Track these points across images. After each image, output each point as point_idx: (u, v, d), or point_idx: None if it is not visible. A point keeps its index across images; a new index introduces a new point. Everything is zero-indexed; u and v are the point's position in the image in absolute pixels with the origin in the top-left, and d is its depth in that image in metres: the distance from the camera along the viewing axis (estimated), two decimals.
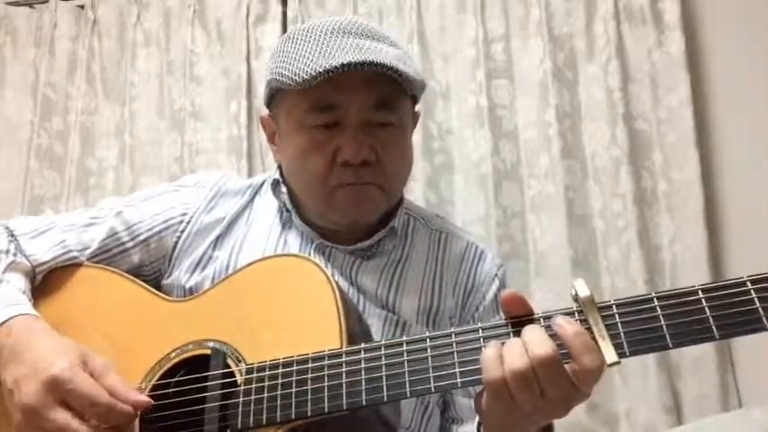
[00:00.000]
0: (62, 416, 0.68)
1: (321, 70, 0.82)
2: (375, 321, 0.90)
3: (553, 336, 0.62)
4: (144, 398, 0.72)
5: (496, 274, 0.99)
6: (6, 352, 0.75)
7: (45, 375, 0.69)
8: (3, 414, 0.74)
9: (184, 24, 2.00)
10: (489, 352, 0.63)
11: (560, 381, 0.61)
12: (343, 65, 0.82)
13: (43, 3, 2.09)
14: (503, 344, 0.64)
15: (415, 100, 0.98)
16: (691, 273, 1.59)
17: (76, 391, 0.69)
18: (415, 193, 1.75)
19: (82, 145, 1.96)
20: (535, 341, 0.62)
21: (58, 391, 0.69)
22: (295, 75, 0.84)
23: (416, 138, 1.73)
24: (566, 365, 0.62)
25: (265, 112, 1.00)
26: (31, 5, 2.10)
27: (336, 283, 0.78)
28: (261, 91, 1.87)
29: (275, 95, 0.94)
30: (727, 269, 1.64)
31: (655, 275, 1.64)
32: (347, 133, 0.87)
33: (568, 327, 0.62)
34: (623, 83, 1.72)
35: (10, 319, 0.77)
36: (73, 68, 2.04)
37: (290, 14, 1.95)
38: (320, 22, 0.90)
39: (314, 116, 0.88)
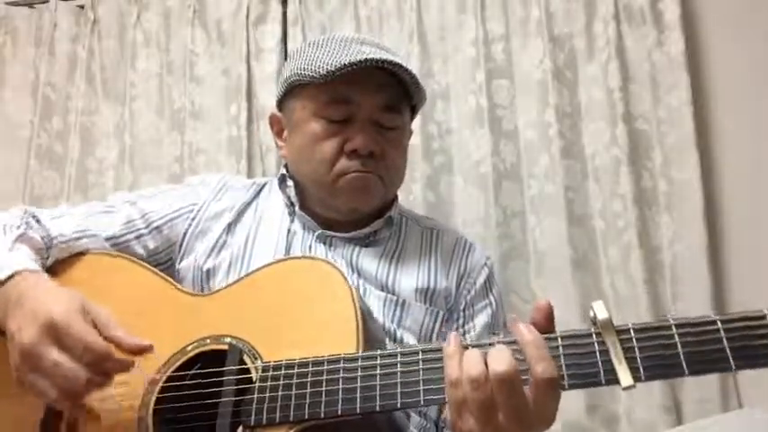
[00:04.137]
0: (56, 355, 0.70)
1: (346, 62, 0.92)
2: (375, 302, 0.94)
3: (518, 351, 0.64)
4: (147, 342, 0.75)
5: (485, 264, 1.08)
6: (12, 302, 0.77)
7: (43, 318, 0.71)
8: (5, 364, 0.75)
9: (184, 24, 1.99)
10: (451, 368, 0.65)
11: (515, 396, 0.62)
12: (364, 60, 0.92)
13: (43, 3, 2.09)
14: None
15: (413, 112, 1.08)
16: (691, 273, 1.59)
17: (72, 335, 0.71)
18: (415, 193, 1.75)
19: (82, 145, 1.96)
20: (494, 357, 0.63)
21: (55, 334, 0.71)
22: (319, 68, 0.94)
23: (416, 138, 1.73)
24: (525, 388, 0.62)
25: (275, 111, 1.09)
26: (31, 5, 2.10)
27: (355, 287, 0.79)
28: (261, 92, 1.90)
29: (292, 91, 1.01)
30: (727, 269, 1.64)
31: (655, 275, 1.63)
32: (358, 126, 0.97)
33: (528, 335, 0.63)
34: (623, 83, 1.72)
35: (18, 273, 0.80)
36: (73, 68, 2.03)
37: (290, 15, 1.94)
38: (338, 34, 1.02)
39: (330, 109, 0.97)
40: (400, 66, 0.95)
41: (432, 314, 0.97)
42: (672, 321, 0.63)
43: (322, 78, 0.94)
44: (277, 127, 1.08)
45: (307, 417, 0.69)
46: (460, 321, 1.01)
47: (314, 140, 0.98)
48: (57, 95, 2.02)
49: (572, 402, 1.57)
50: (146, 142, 1.95)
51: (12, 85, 2.05)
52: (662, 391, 1.55)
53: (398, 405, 0.68)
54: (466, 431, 0.64)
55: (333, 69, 0.93)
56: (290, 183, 1.05)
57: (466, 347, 0.66)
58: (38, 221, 0.93)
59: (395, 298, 0.96)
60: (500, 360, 0.62)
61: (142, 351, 0.74)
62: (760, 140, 1.66)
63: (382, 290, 0.97)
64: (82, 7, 2.07)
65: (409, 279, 0.99)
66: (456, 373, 0.64)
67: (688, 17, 1.75)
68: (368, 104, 0.97)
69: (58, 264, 0.93)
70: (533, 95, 1.77)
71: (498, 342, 0.65)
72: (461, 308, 1.01)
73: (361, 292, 0.95)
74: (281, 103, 1.07)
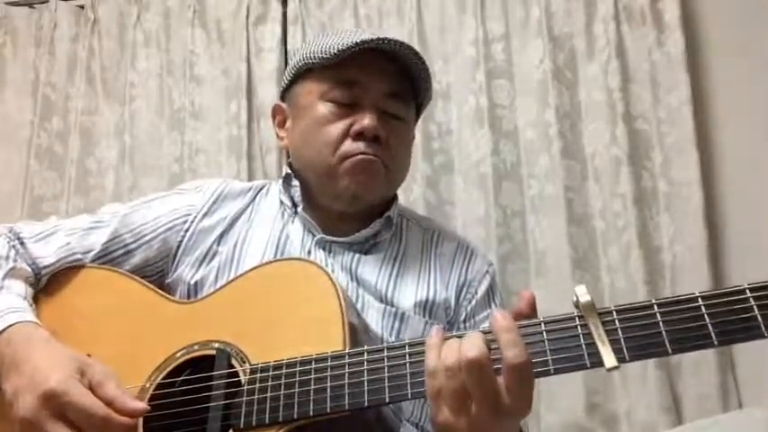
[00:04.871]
0: (57, 429, 0.69)
1: (357, 41, 0.93)
2: (374, 313, 0.93)
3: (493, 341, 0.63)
4: (142, 405, 0.73)
5: (487, 271, 1.05)
6: (7, 362, 0.75)
7: (42, 388, 0.70)
8: (6, 417, 0.75)
9: (184, 24, 2.00)
10: (430, 358, 0.65)
11: (486, 382, 0.62)
12: (374, 39, 0.93)
13: (43, 3, 2.09)
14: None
15: (417, 113, 1.07)
16: (691, 273, 1.59)
17: (72, 404, 0.69)
18: (415, 193, 1.75)
19: (82, 145, 1.96)
20: (465, 343, 0.63)
21: (55, 404, 0.69)
22: (330, 47, 0.95)
23: (417, 138, 1.72)
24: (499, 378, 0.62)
25: (278, 102, 1.08)
26: (31, 5, 2.10)
27: (340, 286, 0.79)
28: (261, 91, 1.89)
29: (298, 78, 1.01)
30: (727, 269, 1.64)
31: (655, 275, 1.63)
32: (364, 110, 0.95)
33: (502, 321, 0.63)
34: (623, 83, 1.72)
35: (9, 327, 0.78)
36: (73, 68, 2.04)
37: (290, 14, 1.95)
38: (347, 27, 1.03)
39: (336, 91, 0.96)
40: (410, 48, 0.95)
41: (431, 326, 0.95)
42: (654, 301, 0.63)
43: (332, 57, 0.94)
44: (279, 117, 1.07)
45: (296, 416, 0.69)
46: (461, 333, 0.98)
47: (320, 123, 0.96)
48: (57, 95, 2.02)
49: (572, 402, 1.57)
50: (146, 142, 1.95)
51: (12, 85, 2.05)
52: (661, 390, 1.55)
53: (386, 399, 0.67)
54: (441, 422, 0.63)
55: (343, 48, 0.93)
56: (295, 182, 1.03)
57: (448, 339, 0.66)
58: (22, 244, 0.92)
59: (394, 310, 0.94)
60: (470, 346, 0.62)
61: (135, 414, 0.71)
62: (760, 140, 1.66)
63: (381, 301, 0.95)
64: (82, 7, 2.07)
65: (409, 291, 0.97)
66: (434, 363, 0.64)
67: (688, 17, 1.75)
68: (374, 89, 0.97)
69: (48, 280, 0.92)
70: (533, 95, 1.77)
71: (475, 331, 0.65)
72: (462, 319, 0.99)
73: (360, 303, 0.93)
74: (285, 93, 1.06)
